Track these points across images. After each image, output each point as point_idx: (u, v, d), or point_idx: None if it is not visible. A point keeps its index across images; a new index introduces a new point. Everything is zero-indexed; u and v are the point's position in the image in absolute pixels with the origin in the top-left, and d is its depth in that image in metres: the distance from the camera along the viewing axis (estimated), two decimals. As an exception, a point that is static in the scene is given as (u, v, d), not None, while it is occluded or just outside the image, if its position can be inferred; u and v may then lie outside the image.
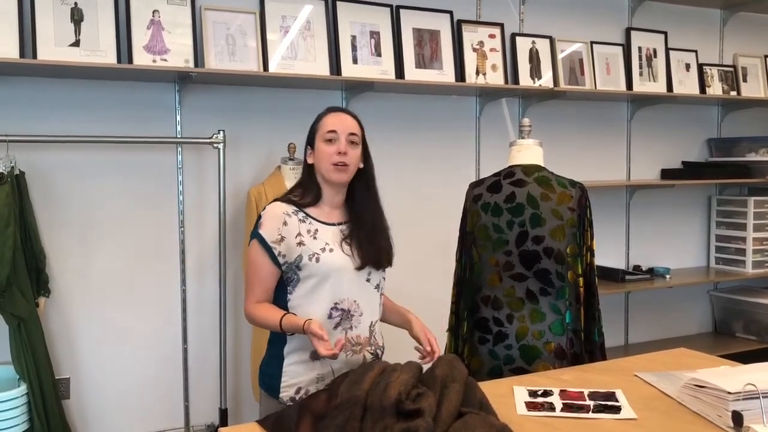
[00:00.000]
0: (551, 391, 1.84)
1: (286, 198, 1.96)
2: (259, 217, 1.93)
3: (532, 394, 1.83)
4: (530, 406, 1.74)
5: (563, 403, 1.75)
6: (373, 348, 1.95)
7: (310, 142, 1.96)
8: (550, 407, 1.73)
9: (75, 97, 2.90)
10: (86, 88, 2.92)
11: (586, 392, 1.83)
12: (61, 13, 2.75)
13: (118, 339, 3.02)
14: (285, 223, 1.88)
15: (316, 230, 1.91)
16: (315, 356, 1.86)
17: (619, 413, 1.69)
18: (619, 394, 1.81)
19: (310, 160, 1.96)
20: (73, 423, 2.92)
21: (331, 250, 1.89)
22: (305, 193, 1.95)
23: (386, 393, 1.45)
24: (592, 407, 1.72)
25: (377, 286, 1.98)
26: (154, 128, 3.03)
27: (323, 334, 1.71)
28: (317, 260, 1.87)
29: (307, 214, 1.92)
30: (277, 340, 1.93)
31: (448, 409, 1.47)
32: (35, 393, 2.62)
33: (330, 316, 1.88)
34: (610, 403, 1.75)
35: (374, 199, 2.00)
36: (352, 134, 1.92)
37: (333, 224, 1.94)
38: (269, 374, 1.93)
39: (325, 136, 1.90)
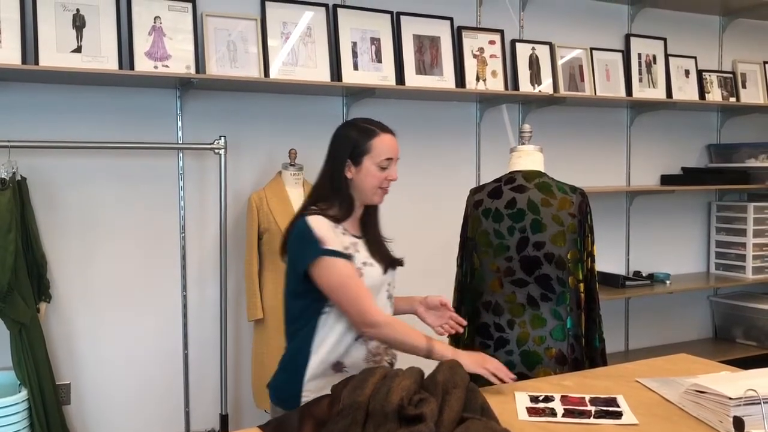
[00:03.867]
0: (552, 396, 1.84)
1: (315, 211, 1.88)
2: (304, 234, 1.83)
3: (534, 399, 1.83)
4: (531, 411, 1.74)
5: (564, 409, 1.75)
6: (389, 357, 1.95)
7: (354, 158, 1.89)
8: (552, 413, 1.73)
9: (77, 103, 2.91)
10: (88, 94, 2.93)
11: (587, 398, 1.83)
12: (62, 20, 2.76)
13: (119, 344, 3.02)
14: (335, 235, 1.86)
15: (356, 244, 1.90)
16: (338, 368, 1.85)
17: (620, 419, 1.69)
18: (621, 400, 1.82)
19: (349, 175, 1.89)
20: (73, 429, 2.92)
21: (371, 265, 1.89)
22: (340, 207, 1.90)
23: (388, 398, 1.45)
24: (593, 413, 1.72)
25: (390, 296, 1.99)
26: (155, 134, 3.04)
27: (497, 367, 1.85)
28: (361, 275, 1.86)
29: (345, 229, 1.91)
30: (300, 350, 1.87)
31: (450, 415, 1.48)
32: (36, 398, 2.62)
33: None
34: (611, 408, 1.75)
35: (378, 211, 2.02)
36: (398, 159, 1.94)
37: (360, 237, 1.94)
38: (286, 387, 1.87)
39: (382, 164, 1.88)
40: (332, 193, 1.90)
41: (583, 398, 1.83)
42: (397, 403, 1.44)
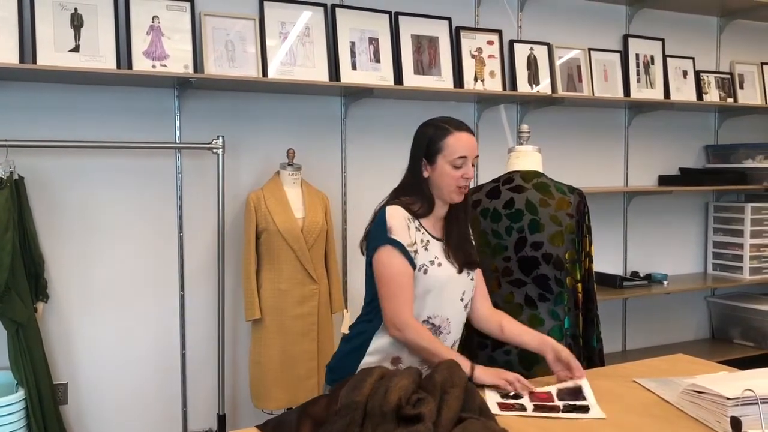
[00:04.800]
0: (520, 393, 1.83)
1: (401, 202, 1.91)
2: (379, 221, 1.87)
3: (504, 395, 1.83)
4: (503, 406, 1.74)
5: (534, 405, 1.75)
6: None
7: (428, 156, 1.91)
8: (522, 408, 1.73)
9: (74, 102, 2.91)
10: (86, 93, 2.92)
11: (553, 391, 1.83)
12: (61, 19, 2.75)
13: (117, 344, 3.01)
14: (409, 228, 1.87)
15: (428, 242, 1.90)
16: (395, 363, 1.87)
17: (587, 413, 1.69)
18: (586, 390, 1.82)
19: (425, 174, 1.91)
20: (70, 428, 2.91)
21: (439, 264, 1.89)
22: (421, 204, 1.92)
23: (386, 398, 1.45)
24: (561, 408, 1.73)
25: (466, 306, 1.99)
26: (153, 133, 3.03)
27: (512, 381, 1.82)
28: (425, 272, 1.87)
29: (421, 224, 1.91)
30: (365, 333, 1.91)
31: (448, 415, 1.48)
32: (33, 398, 2.61)
33: None
34: (578, 402, 1.76)
35: (467, 210, 2.02)
36: (476, 157, 1.93)
37: (439, 239, 1.94)
38: (344, 364, 1.90)
39: (455, 162, 1.88)
40: (414, 190, 1.93)
41: (550, 393, 1.83)
42: (395, 403, 1.44)
